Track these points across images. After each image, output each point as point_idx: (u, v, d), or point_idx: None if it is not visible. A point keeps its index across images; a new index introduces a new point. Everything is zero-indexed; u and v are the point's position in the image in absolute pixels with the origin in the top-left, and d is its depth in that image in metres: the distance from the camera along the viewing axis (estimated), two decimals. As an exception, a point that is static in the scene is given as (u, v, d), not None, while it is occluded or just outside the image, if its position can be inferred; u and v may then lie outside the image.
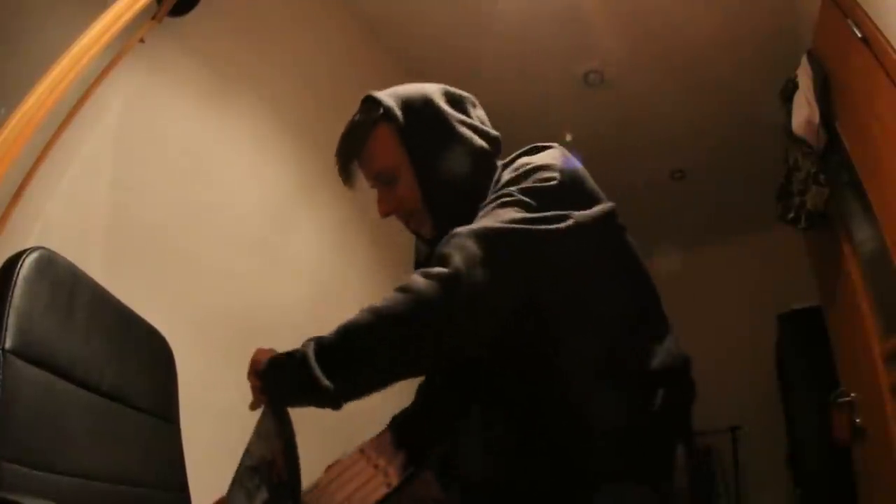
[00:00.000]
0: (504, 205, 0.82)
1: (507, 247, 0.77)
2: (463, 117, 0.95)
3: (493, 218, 0.80)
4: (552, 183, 0.83)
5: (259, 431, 0.87)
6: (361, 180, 0.99)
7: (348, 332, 0.77)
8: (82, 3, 1.38)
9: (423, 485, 0.86)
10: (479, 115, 1.00)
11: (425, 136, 0.91)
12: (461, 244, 0.76)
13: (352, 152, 0.95)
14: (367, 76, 2.68)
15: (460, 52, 2.81)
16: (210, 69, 1.89)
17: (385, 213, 0.96)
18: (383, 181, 0.94)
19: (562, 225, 0.79)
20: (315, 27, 2.41)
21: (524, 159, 0.91)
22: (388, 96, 0.94)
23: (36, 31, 1.34)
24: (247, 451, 0.87)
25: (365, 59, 2.71)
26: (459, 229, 0.79)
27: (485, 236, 0.77)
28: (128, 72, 1.57)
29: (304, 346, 0.78)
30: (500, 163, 0.99)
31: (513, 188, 0.83)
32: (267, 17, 2.14)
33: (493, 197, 0.85)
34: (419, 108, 0.92)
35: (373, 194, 0.99)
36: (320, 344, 0.77)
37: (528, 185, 0.83)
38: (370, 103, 0.94)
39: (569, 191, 0.85)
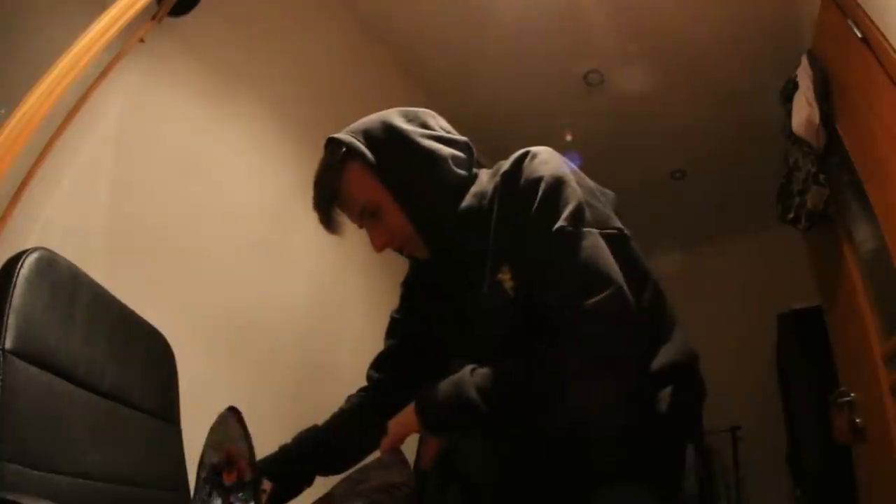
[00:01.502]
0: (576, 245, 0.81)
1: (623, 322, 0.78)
2: (424, 130, 0.94)
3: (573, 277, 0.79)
4: (579, 202, 0.84)
5: (211, 443, 0.90)
6: (348, 224, 0.98)
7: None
8: (82, 3, 1.38)
9: (380, 474, 0.86)
10: (441, 125, 0.99)
11: (394, 160, 0.90)
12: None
13: (329, 198, 0.94)
14: (367, 76, 2.69)
15: (460, 53, 2.81)
16: (210, 69, 1.89)
17: (380, 248, 0.96)
18: (368, 217, 0.94)
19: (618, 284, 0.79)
20: (315, 28, 2.41)
21: (532, 172, 0.88)
22: (348, 133, 0.94)
23: (36, 31, 1.34)
24: (201, 465, 0.89)
25: (364, 60, 2.71)
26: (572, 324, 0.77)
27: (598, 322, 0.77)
28: (128, 72, 1.57)
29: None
30: (484, 170, 0.98)
31: (563, 223, 0.82)
32: (267, 17, 2.15)
33: (555, 235, 0.82)
34: (380, 135, 0.92)
35: None
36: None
37: (566, 212, 0.82)
38: (333, 145, 0.94)
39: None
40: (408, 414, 0.86)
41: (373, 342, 1.22)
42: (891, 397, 1.48)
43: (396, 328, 1.15)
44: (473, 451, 0.94)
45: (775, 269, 3.52)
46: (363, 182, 0.91)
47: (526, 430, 0.87)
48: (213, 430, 0.94)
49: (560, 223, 0.81)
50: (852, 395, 1.77)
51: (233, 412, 0.94)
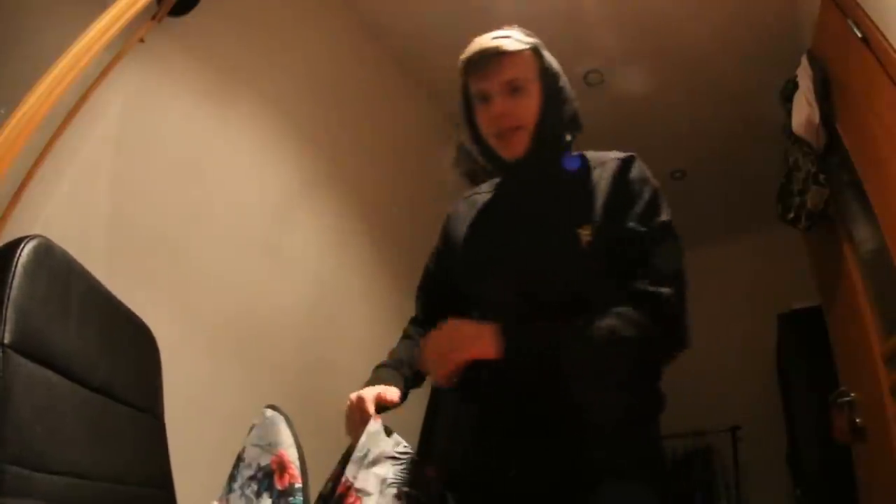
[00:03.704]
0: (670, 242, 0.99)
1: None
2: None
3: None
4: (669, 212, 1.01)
5: (257, 443, 0.94)
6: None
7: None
8: (82, 3, 1.38)
9: (376, 443, 0.88)
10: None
11: (555, 81, 1.05)
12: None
13: (497, 53, 1.03)
14: (368, 76, 2.69)
15: (460, 53, 2.80)
16: (210, 69, 1.89)
17: (500, 115, 1.02)
18: (510, 90, 1.02)
19: None
20: (315, 27, 2.41)
21: (644, 172, 1.07)
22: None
23: (36, 32, 1.34)
24: (240, 462, 0.93)
25: (365, 59, 2.71)
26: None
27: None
28: (128, 72, 1.57)
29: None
30: (592, 154, 1.10)
31: (669, 219, 1.00)
32: (267, 17, 2.15)
33: (656, 227, 0.98)
34: (556, 68, 1.07)
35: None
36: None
37: (666, 215, 1.00)
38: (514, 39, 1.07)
39: None
40: (484, 337, 0.86)
41: (372, 342, 1.22)
42: (891, 397, 1.48)
43: (436, 270, 1.16)
44: (472, 449, 0.94)
45: (776, 268, 3.51)
46: (530, 64, 1.04)
47: (526, 419, 0.88)
48: (260, 430, 0.96)
49: (666, 217, 0.98)
50: (852, 395, 1.77)
51: (283, 417, 0.97)
